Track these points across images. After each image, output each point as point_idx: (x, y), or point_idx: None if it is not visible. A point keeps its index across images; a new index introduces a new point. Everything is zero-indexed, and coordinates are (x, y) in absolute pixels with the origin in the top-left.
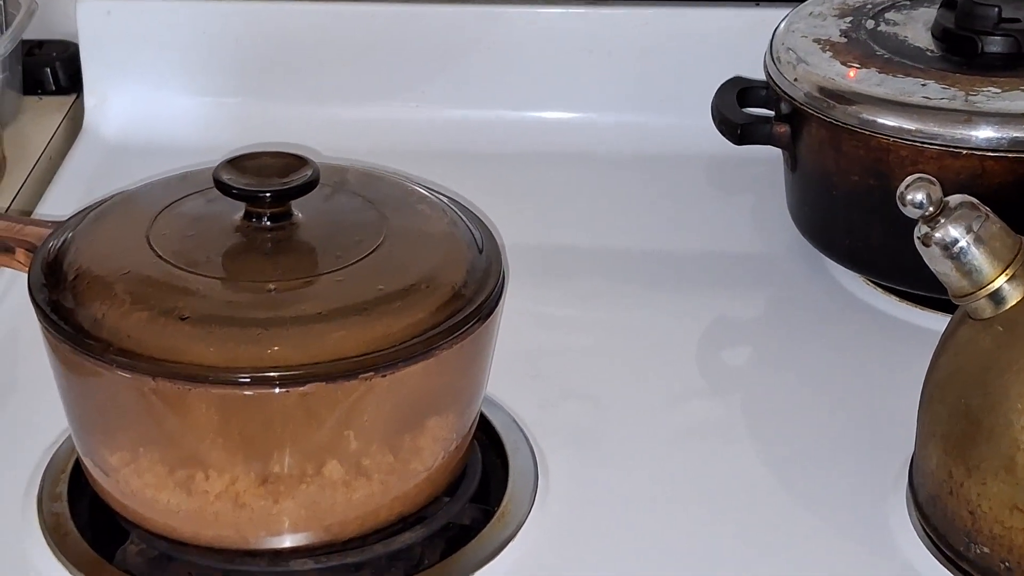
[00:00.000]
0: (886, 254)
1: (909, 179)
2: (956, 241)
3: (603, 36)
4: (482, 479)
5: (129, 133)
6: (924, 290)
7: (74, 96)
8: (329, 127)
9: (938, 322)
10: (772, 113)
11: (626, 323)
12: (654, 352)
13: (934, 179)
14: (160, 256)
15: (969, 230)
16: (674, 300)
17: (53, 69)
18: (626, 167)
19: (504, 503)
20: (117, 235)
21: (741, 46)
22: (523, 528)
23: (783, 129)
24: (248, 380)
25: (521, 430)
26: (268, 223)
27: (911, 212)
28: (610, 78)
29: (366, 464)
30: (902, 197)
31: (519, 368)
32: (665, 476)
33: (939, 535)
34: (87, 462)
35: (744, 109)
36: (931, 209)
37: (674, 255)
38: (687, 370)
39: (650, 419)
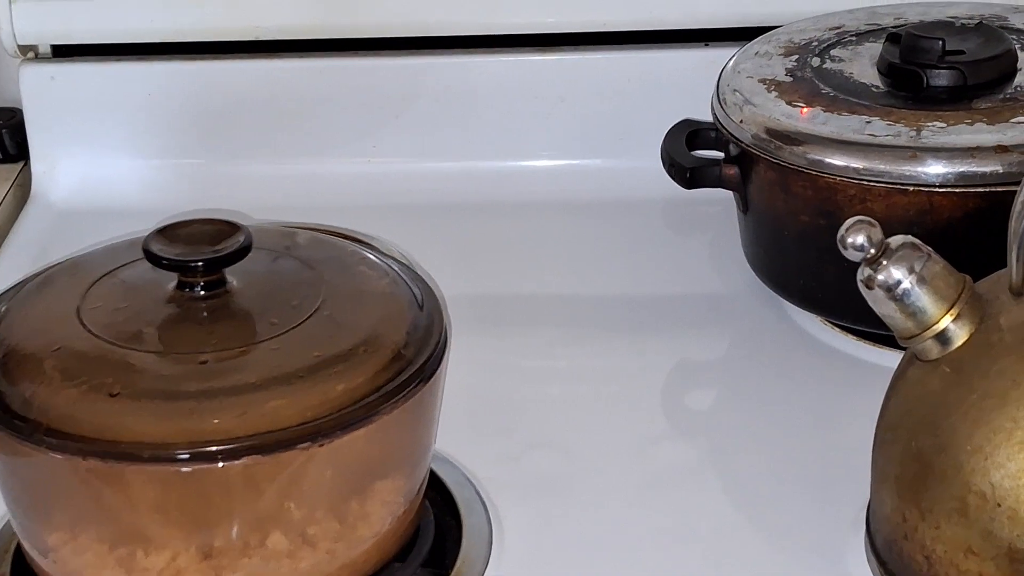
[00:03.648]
0: (839, 294)
1: (849, 222)
2: (899, 283)
3: (554, 82)
4: (436, 541)
5: (79, 199)
6: (879, 328)
7: (22, 163)
8: (281, 184)
9: (896, 360)
10: (722, 155)
11: (585, 371)
12: (613, 400)
13: (874, 221)
14: (91, 331)
15: (911, 271)
16: (633, 346)
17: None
18: (581, 212)
19: (457, 565)
20: (49, 309)
21: (694, 87)
22: None
23: (732, 171)
24: (184, 456)
25: (475, 488)
26: (202, 292)
27: (852, 255)
28: (563, 124)
29: (311, 533)
30: (842, 240)
31: (473, 422)
32: (622, 530)
33: None
34: (25, 543)
35: (695, 152)
36: (872, 251)
37: (631, 300)
38: (646, 417)
39: (608, 470)
